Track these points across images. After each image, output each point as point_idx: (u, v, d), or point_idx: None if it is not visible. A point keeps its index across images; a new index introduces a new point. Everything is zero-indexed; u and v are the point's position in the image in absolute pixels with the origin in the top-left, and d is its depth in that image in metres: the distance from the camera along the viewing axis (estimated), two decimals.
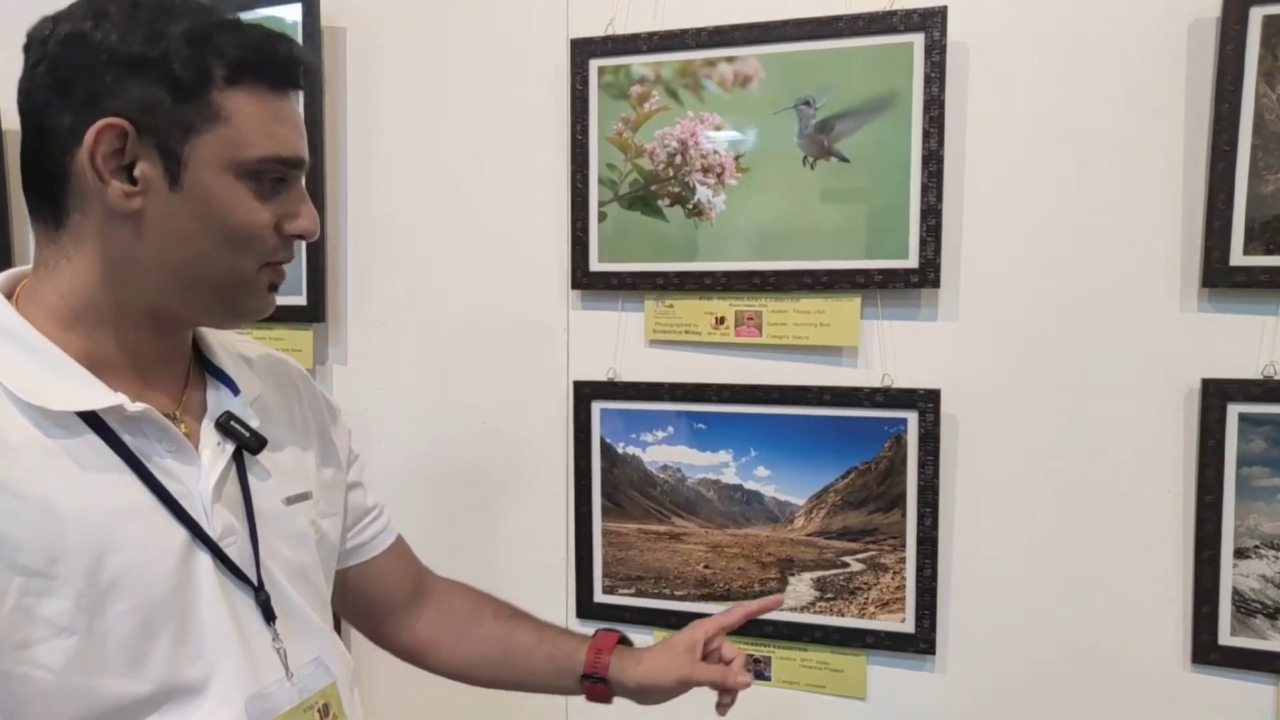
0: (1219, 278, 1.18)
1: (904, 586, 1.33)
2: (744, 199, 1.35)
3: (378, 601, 1.05)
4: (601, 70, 1.39)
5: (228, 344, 0.92)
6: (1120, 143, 1.23)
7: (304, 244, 0.84)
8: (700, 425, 1.41)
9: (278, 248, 0.80)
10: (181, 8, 0.75)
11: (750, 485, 1.40)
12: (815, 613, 1.38)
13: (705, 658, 1.03)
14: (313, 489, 0.91)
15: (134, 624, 0.74)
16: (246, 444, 0.83)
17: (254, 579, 0.82)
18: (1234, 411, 1.20)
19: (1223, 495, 1.21)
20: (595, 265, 1.43)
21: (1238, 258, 1.17)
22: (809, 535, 1.38)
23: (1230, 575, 1.22)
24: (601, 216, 1.42)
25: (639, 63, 1.37)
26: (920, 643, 1.32)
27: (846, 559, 1.37)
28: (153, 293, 0.77)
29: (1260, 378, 1.19)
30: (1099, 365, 1.26)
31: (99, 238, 0.75)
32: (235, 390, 0.86)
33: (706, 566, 1.43)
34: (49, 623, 0.71)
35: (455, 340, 1.53)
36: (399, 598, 1.06)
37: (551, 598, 1.50)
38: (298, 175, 0.81)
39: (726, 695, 1.02)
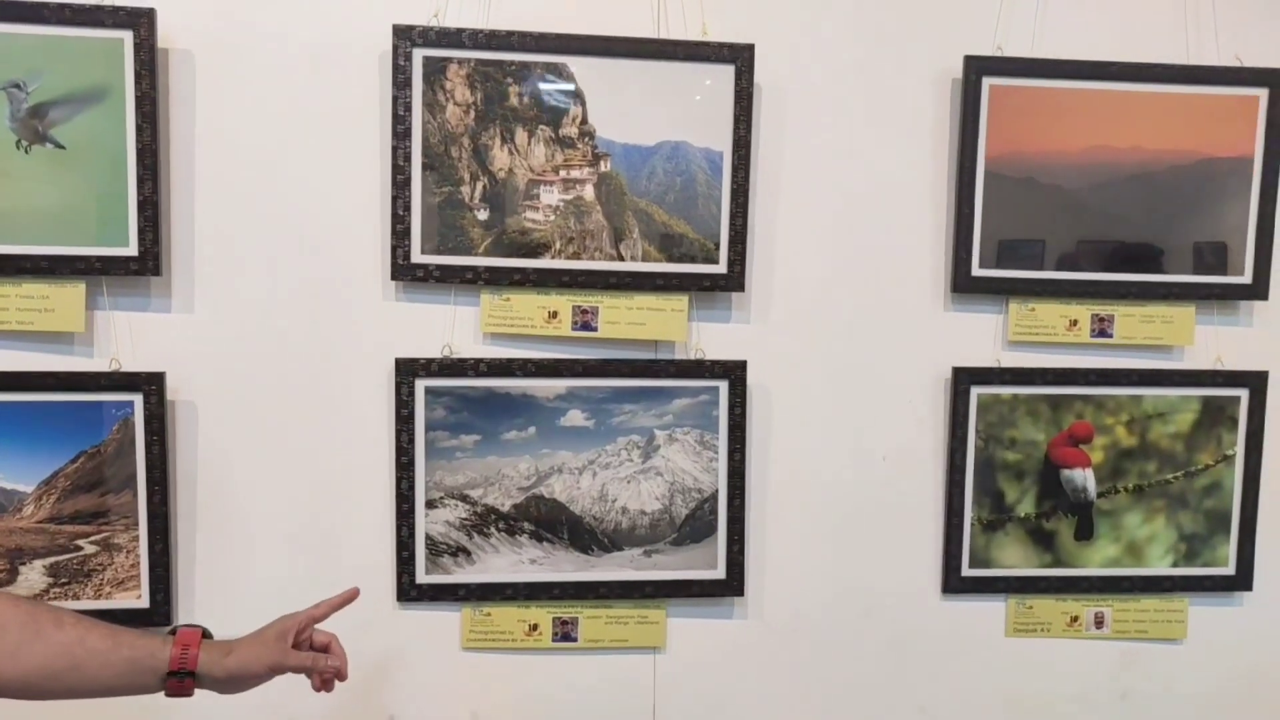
0: (402, 273, 1.41)
1: (138, 565, 1.38)
2: None
3: None
4: None
5: None
6: (336, 153, 1.41)
7: None
8: None
9: None
10: None
11: None
12: (51, 599, 1.37)
13: (296, 646, 1.10)
14: None
15: None
16: None
17: None
18: (420, 385, 1.43)
19: (415, 456, 1.44)
20: None
21: (417, 256, 1.41)
22: (39, 522, 1.37)
23: (424, 524, 1.46)
24: None
25: None
26: (155, 615, 1.38)
27: (80, 542, 1.38)
28: None
29: (440, 357, 1.44)
30: (319, 348, 1.43)
31: None
32: None
33: None
34: None
35: None
36: None
37: None
38: None
39: (324, 677, 1.12)
